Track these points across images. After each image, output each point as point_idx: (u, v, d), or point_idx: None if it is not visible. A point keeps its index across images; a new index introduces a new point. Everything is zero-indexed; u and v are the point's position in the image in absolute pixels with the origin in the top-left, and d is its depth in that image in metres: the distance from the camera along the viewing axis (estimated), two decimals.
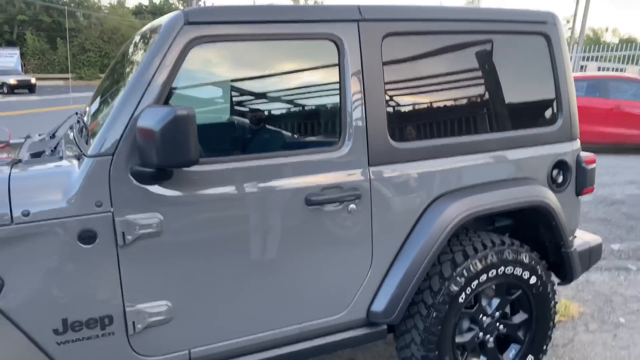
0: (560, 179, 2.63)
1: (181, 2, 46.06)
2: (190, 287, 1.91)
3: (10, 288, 1.69)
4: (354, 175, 2.10)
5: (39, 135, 2.74)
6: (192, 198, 1.85)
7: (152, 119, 1.63)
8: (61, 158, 1.90)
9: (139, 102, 1.77)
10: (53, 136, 2.52)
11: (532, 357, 2.56)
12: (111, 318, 1.82)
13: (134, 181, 1.77)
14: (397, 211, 2.20)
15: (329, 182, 2.06)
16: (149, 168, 1.70)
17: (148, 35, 2.06)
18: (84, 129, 2.16)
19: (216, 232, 1.92)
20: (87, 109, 2.55)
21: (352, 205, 2.11)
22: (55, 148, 2.06)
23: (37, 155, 2.01)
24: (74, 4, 40.67)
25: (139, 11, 45.09)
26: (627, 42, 22.66)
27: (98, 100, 2.42)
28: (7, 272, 1.68)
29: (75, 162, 1.80)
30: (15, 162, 1.88)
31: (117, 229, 1.76)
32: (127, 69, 2.12)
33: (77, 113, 2.71)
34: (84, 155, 1.78)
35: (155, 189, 1.80)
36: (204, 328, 1.96)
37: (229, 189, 1.91)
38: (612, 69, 19.17)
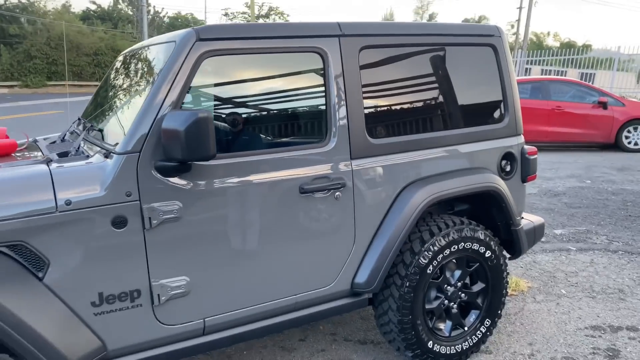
0: (508, 168, 3.09)
1: (130, 7, 45.11)
2: (205, 264, 2.23)
3: (54, 267, 1.97)
4: (339, 167, 2.48)
5: (44, 139, 2.99)
6: (206, 187, 2.18)
7: (177, 121, 1.96)
8: (88, 156, 2.19)
9: (161, 107, 2.09)
10: (63, 139, 2.78)
11: (489, 321, 3.00)
12: (139, 292, 2.12)
13: (158, 174, 2.09)
14: (375, 197, 2.60)
15: (318, 174, 2.43)
16: (172, 163, 2.03)
17: (158, 50, 2.37)
18: (100, 132, 2.44)
19: (227, 216, 2.25)
20: (89, 114, 2.83)
21: (338, 193, 2.48)
22: (78, 149, 2.33)
23: (64, 155, 2.28)
24: (18, 10, 39.13)
25: (86, 16, 43.80)
26: (568, 47, 24.00)
27: (106, 105, 2.70)
28: (52, 253, 1.96)
29: (104, 158, 2.10)
30: (47, 161, 2.15)
31: (144, 215, 2.07)
32: (141, 79, 2.42)
33: (79, 119, 2.98)
34: (113, 152, 2.08)
35: (176, 180, 2.12)
36: (216, 300, 2.29)
37: (237, 180, 2.25)
38: (554, 72, 20.38)
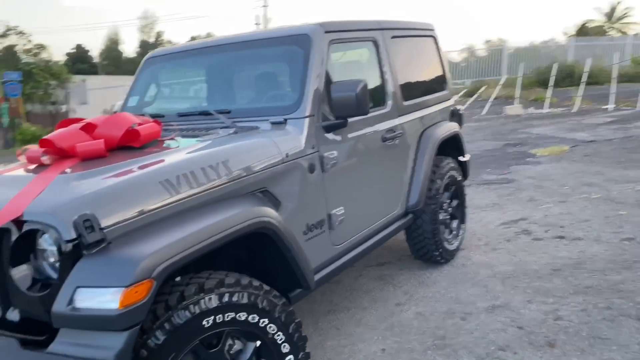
0: (454, 120, 4.47)
1: None
2: (350, 195, 3.01)
3: (284, 206, 2.55)
4: (395, 122, 3.49)
5: None
6: (347, 138, 2.97)
7: (346, 89, 2.72)
8: (257, 127, 2.76)
9: (318, 80, 2.81)
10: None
11: (463, 225, 4.35)
12: (323, 221, 2.80)
13: (324, 131, 2.81)
14: (411, 140, 3.68)
15: (387, 127, 3.39)
16: (343, 119, 2.79)
17: (285, 41, 3.02)
18: (228, 112, 2.93)
19: (356, 159, 3.07)
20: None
21: (397, 140, 3.49)
22: (236, 126, 2.80)
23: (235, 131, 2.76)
24: None
25: None
26: None
27: (231, 91, 3.22)
28: (282, 195, 2.54)
29: (277, 125, 2.71)
30: (235, 133, 2.66)
31: (323, 162, 2.77)
32: (278, 64, 3.04)
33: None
34: (293, 118, 2.71)
35: (332, 135, 2.87)
36: (356, 223, 3.08)
37: (360, 132, 3.08)
38: None
